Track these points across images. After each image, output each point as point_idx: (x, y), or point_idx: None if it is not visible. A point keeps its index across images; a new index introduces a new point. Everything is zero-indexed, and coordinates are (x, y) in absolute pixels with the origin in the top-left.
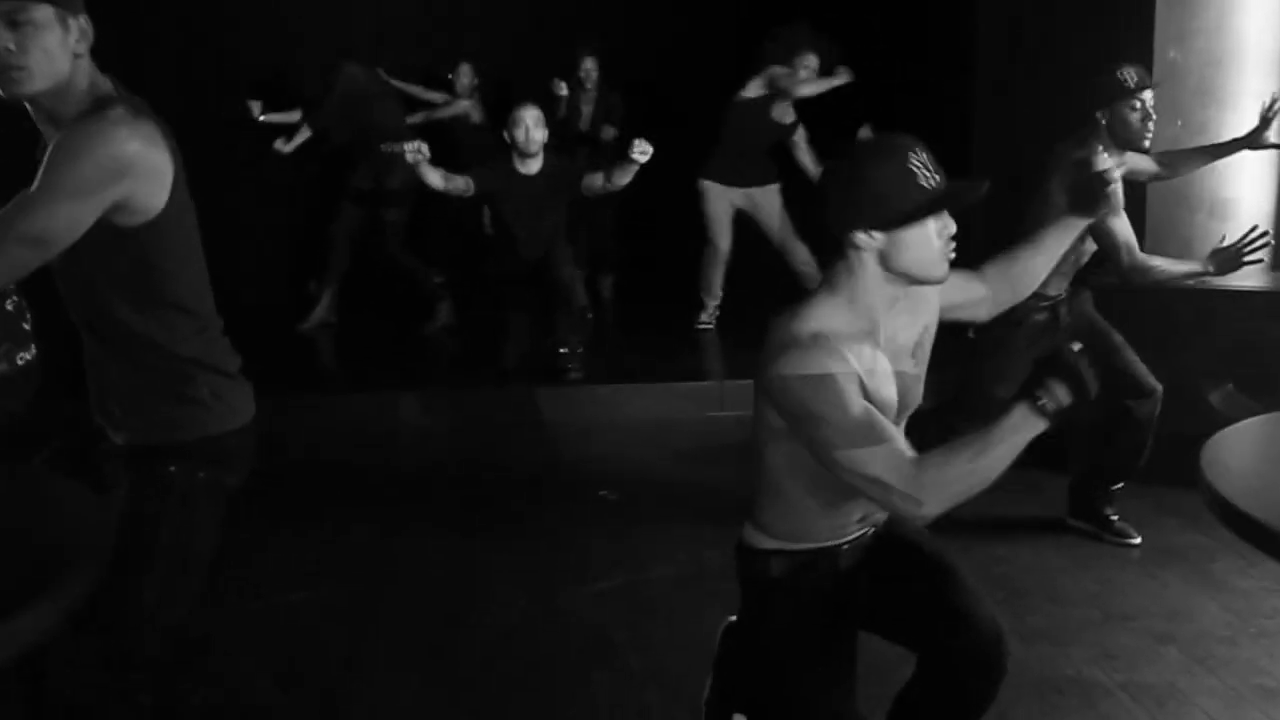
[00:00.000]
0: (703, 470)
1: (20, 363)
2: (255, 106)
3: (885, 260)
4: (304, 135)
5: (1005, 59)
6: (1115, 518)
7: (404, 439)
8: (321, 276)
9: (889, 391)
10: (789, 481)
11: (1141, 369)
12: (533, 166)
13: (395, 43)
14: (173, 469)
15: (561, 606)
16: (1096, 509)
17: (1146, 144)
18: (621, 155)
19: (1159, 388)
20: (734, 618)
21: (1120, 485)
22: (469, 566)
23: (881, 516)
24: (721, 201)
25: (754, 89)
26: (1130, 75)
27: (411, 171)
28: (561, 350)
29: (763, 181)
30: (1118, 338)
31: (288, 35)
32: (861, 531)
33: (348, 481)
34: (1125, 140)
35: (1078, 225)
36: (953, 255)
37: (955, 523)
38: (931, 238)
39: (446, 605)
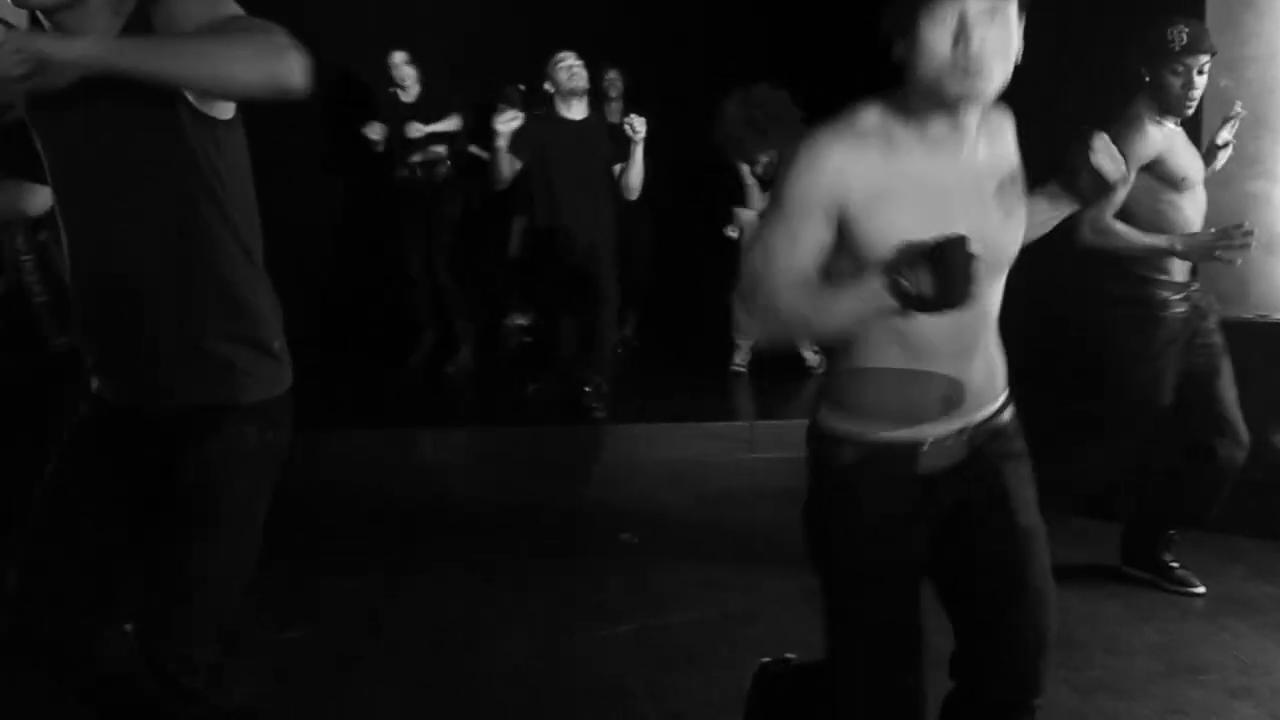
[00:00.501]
0: (728, 514)
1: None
2: (376, 129)
3: (911, 75)
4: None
5: (1044, 100)
6: (1175, 565)
7: (419, 476)
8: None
9: (896, 219)
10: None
11: (1237, 410)
12: (576, 111)
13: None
14: (251, 430)
15: (574, 649)
16: (1155, 556)
17: (1187, 112)
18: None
19: (1247, 436)
20: (767, 659)
21: (1174, 531)
22: (476, 605)
23: (976, 415)
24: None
25: None
26: (1179, 35)
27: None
28: (586, 389)
29: None
30: (1227, 365)
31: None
32: (948, 432)
33: (356, 517)
34: (1164, 105)
35: (1068, 206)
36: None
37: None
38: (934, 44)
39: (451, 643)
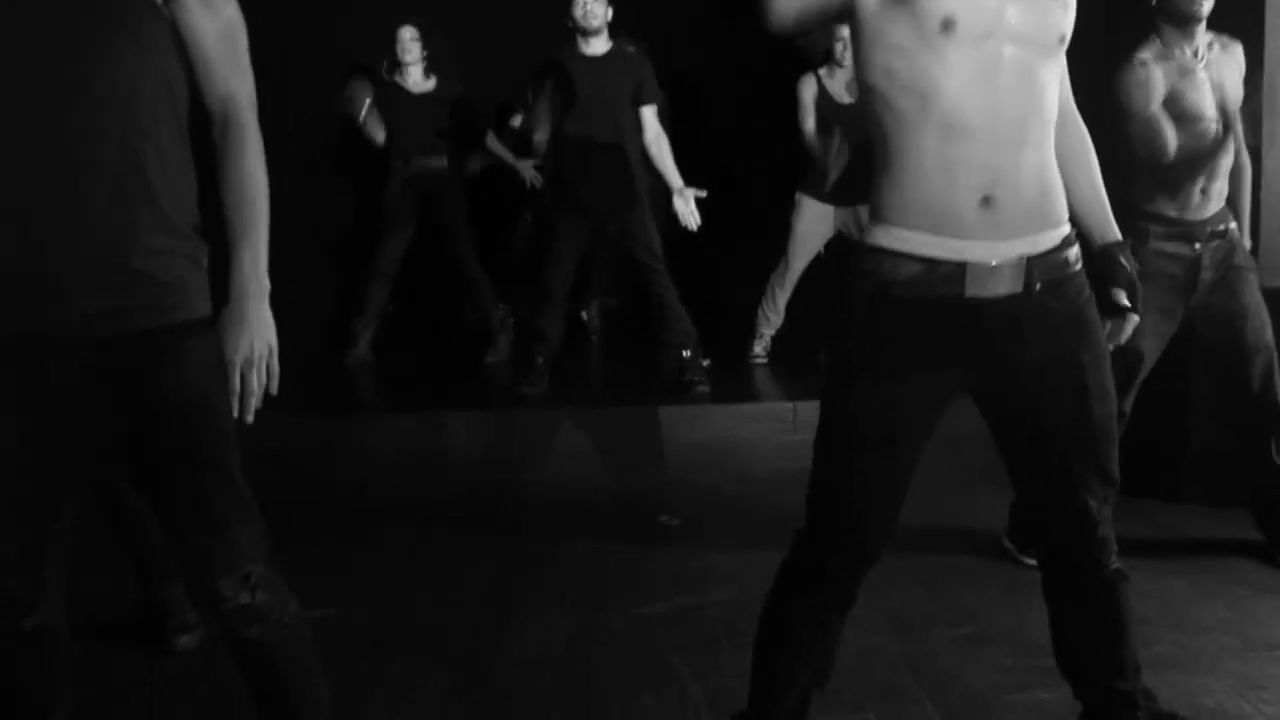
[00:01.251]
0: (771, 496)
1: None
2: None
3: None
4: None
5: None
6: None
7: (452, 459)
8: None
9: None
10: (882, 132)
11: (1265, 386)
12: (597, 47)
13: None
14: (214, 344)
15: (612, 628)
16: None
17: (1200, 11)
18: None
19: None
20: None
21: None
22: (511, 588)
23: (1030, 239)
24: (819, 222)
25: (838, 89)
26: None
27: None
28: (684, 354)
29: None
30: (1263, 336)
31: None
32: (999, 250)
33: (388, 500)
34: (1178, 15)
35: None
36: None
37: None
38: None
39: (486, 624)
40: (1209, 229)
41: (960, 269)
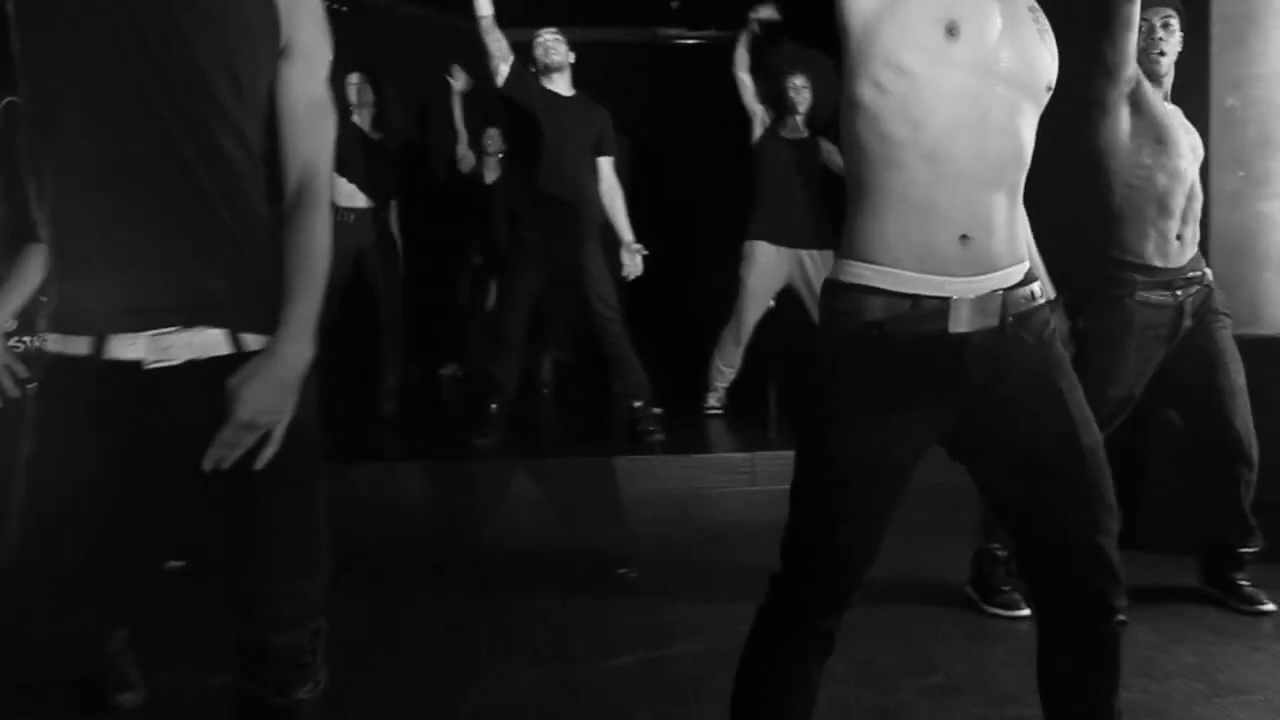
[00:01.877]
0: (733, 547)
1: None
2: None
3: None
4: None
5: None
6: (1244, 583)
7: (413, 510)
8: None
9: None
10: (861, 153)
11: (1243, 429)
12: (561, 86)
13: None
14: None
15: (578, 680)
16: (1226, 574)
17: (1159, 70)
18: None
19: (1253, 454)
20: None
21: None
22: (477, 638)
23: (1002, 273)
24: (769, 273)
25: (792, 128)
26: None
27: None
28: (635, 404)
29: (819, 244)
30: (1238, 380)
31: None
32: (975, 284)
33: (351, 550)
34: (1145, 71)
35: None
36: None
37: None
38: None
39: (451, 675)
40: (1187, 274)
41: (944, 305)
